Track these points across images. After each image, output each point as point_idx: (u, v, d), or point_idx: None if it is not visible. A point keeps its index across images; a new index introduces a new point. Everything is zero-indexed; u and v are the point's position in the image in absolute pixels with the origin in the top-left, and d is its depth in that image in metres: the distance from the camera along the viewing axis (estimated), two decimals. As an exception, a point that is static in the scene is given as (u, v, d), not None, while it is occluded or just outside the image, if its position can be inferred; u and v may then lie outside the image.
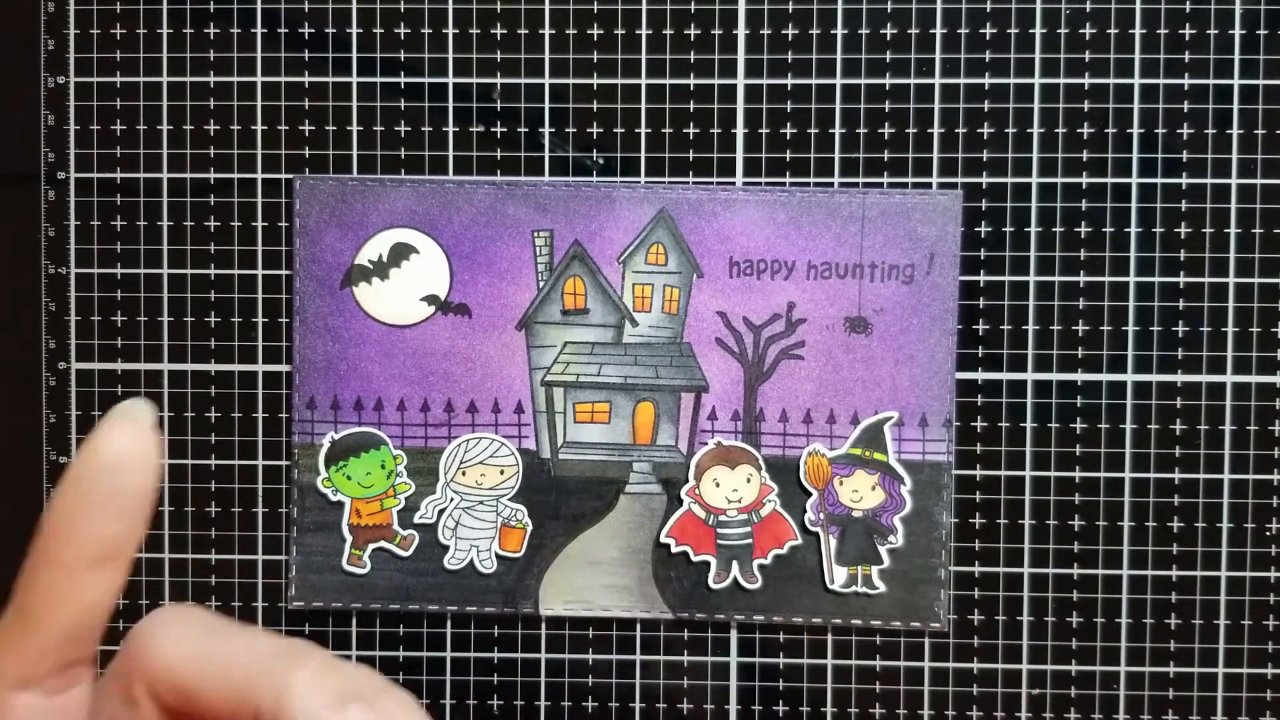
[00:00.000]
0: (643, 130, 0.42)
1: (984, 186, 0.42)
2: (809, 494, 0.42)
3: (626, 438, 0.42)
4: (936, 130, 0.42)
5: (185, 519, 0.43)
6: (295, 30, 0.42)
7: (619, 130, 0.42)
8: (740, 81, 0.42)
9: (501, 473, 0.42)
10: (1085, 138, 0.42)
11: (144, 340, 0.43)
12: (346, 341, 0.42)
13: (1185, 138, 0.42)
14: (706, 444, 0.42)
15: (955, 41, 0.42)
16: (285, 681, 0.19)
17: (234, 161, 0.43)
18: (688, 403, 0.42)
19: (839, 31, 0.42)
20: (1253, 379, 0.42)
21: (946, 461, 0.42)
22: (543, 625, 0.43)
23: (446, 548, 0.42)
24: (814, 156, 0.42)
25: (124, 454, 0.19)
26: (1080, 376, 0.42)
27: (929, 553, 0.42)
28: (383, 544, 0.42)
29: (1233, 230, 0.42)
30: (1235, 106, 0.42)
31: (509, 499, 0.42)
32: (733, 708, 0.43)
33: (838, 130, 0.42)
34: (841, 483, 0.42)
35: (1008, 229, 0.42)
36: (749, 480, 0.42)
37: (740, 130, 0.42)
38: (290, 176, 0.42)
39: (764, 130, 0.42)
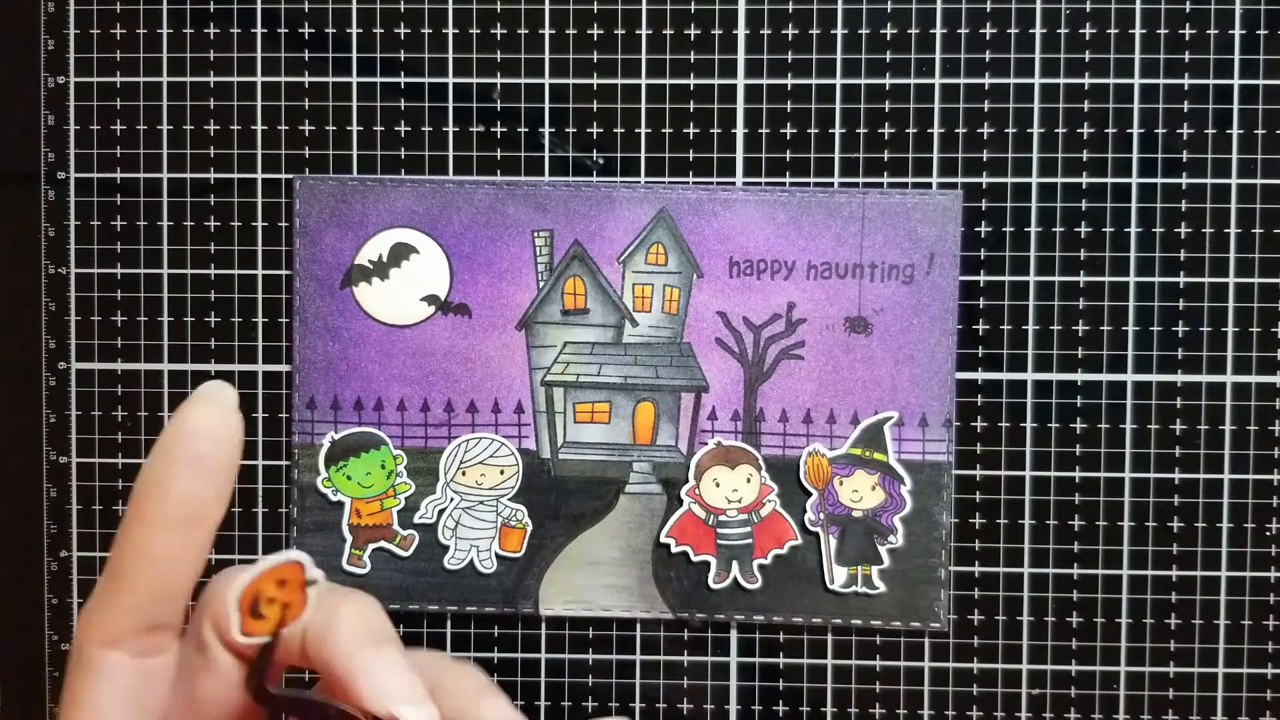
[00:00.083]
0: (643, 130, 0.42)
1: (984, 186, 0.42)
2: (809, 494, 0.42)
3: (626, 438, 0.42)
4: (936, 130, 0.42)
5: (185, 519, 0.43)
6: (295, 30, 0.42)
7: (619, 130, 0.42)
8: (740, 81, 0.42)
9: (501, 473, 0.42)
10: (1085, 138, 0.42)
11: (144, 340, 0.43)
12: (346, 341, 0.42)
13: (1185, 138, 0.42)
14: (706, 444, 0.42)
15: (955, 41, 0.42)
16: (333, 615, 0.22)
17: (234, 161, 0.43)
18: (688, 403, 0.42)
19: (839, 31, 0.42)
20: (1253, 379, 0.42)
21: (946, 461, 0.42)
22: (543, 625, 0.43)
23: (446, 548, 0.42)
24: (814, 156, 0.42)
25: (206, 425, 0.22)
26: (1080, 376, 0.42)
27: (929, 553, 0.42)
28: (383, 544, 0.42)
29: (1233, 230, 0.42)
30: (1235, 106, 0.42)
31: (509, 499, 0.42)
32: (733, 708, 0.43)
33: (838, 130, 0.42)
34: (841, 483, 0.42)
35: (1008, 229, 0.42)
36: (749, 480, 0.42)
37: (740, 130, 0.42)
38: (290, 176, 0.42)
39: (764, 130, 0.42)
